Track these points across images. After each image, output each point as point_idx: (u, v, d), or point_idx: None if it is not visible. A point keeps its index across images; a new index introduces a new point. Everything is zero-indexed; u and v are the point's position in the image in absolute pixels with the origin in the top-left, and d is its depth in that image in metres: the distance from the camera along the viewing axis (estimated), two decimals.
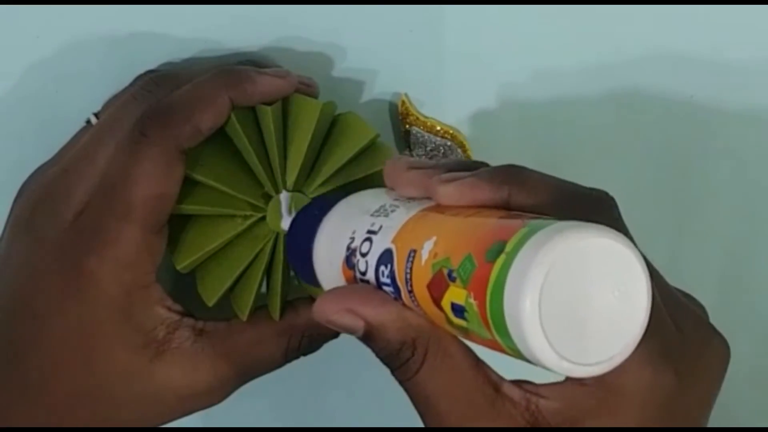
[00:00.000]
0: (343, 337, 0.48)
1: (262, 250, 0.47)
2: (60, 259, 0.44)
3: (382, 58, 0.51)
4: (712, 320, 0.41)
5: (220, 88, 0.44)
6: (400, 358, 0.39)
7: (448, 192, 0.39)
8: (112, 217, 0.44)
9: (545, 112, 0.52)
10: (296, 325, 0.47)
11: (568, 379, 0.39)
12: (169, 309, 0.45)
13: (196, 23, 0.49)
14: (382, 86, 0.51)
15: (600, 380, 0.38)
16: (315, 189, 0.47)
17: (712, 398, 0.41)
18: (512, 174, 0.39)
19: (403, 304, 0.39)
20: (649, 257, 0.36)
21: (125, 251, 0.44)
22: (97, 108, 0.48)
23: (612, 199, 0.40)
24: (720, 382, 0.41)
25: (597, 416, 0.38)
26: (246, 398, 0.54)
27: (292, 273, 0.48)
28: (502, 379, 0.40)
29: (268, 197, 0.46)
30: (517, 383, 0.40)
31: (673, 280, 0.40)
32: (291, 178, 0.46)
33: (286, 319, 0.47)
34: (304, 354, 0.48)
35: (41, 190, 0.46)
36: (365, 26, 0.50)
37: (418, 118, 0.50)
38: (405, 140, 0.51)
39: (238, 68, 0.45)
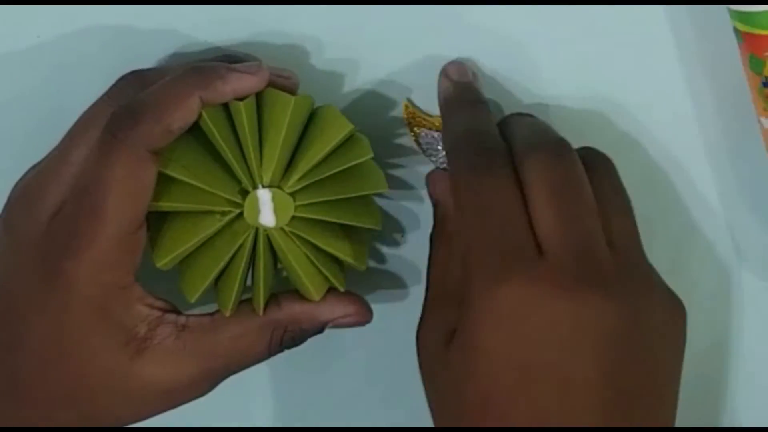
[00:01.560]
0: (345, 337, 0.51)
1: (242, 245, 0.46)
2: (37, 260, 0.44)
3: (382, 58, 0.50)
4: None
5: (190, 87, 0.44)
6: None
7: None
8: (86, 219, 0.44)
9: (545, 112, 0.51)
10: (279, 320, 0.47)
11: None
12: (151, 306, 0.45)
13: (198, 22, 0.50)
14: (381, 86, 0.51)
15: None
16: (292, 184, 0.46)
17: (661, 350, 0.42)
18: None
19: None
20: None
21: (101, 253, 0.44)
22: None
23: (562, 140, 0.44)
24: (678, 336, 0.43)
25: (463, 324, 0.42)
26: (246, 398, 0.54)
27: (278, 266, 0.48)
28: None
29: (245, 193, 0.46)
30: None
31: None
32: (267, 173, 0.46)
33: (268, 314, 0.47)
34: (288, 347, 0.48)
35: (19, 190, 0.46)
36: (365, 26, 0.50)
37: (425, 119, 0.50)
38: (417, 145, 0.50)
39: (208, 65, 0.45)
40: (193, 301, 0.47)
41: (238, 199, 0.46)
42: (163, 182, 0.45)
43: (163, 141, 0.44)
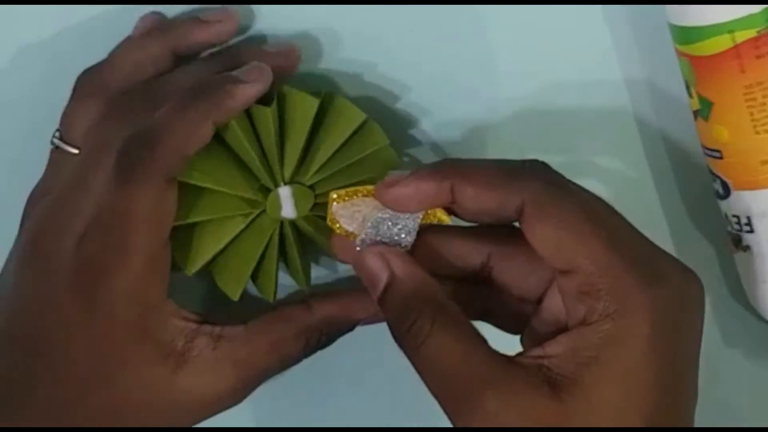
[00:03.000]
0: (346, 336, 0.49)
1: (271, 238, 0.47)
2: (69, 290, 0.44)
3: (381, 58, 0.51)
4: None
5: (202, 113, 0.44)
6: (409, 318, 0.40)
7: (394, 194, 0.42)
8: (113, 250, 0.44)
9: (545, 111, 0.52)
10: (313, 325, 0.47)
11: (567, 328, 0.40)
12: (186, 319, 0.45)
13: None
14: (382, 87, 0.52)
15: (603, 312, 0.39)
16: (310, 177, 0.47)
17: (700, 332, 0.42)
18: (450, 166, 0.42)
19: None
20: None
21: (133, 280, 0.44)
22: None
23: (546, 166, 0.42)
24: (702, 315, 0.42)
25: (608, 347, 0.39)
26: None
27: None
28: (509, 356, 0.40)
29: (265, 189, 0.47)
30: (522, 354, 0.41)
31: None
32: (288, 171, 0.46)
33: (301, 320, 0.47)
34: (321, 348, 0.48)
35: (41, 221, 0.46)
36: (365, 26, 0.51)
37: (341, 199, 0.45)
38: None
39: (215, 86, 0.45)
40: (236, 298, 0.47)
41: (259, 198, 0.46)
42: (183, 192, 0.45)
43: (180, 167, 0.44)
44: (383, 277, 0.42)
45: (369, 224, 0.43)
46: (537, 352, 0.40)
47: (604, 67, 0.51)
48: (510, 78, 0.51)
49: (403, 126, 0.52)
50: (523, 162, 0.42)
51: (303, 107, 0.46)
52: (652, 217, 0.53)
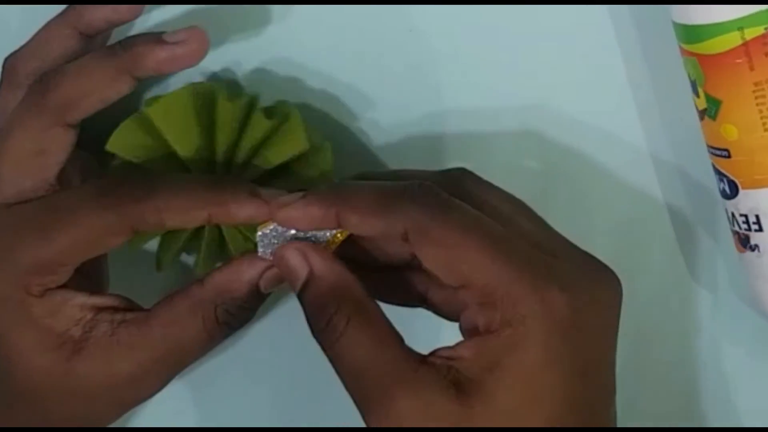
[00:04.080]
0: None
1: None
2: None
3: (381, 58, 0.51)
4: None
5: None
6: (325, 314, 0.42)
7: (285, 218, 0.43)
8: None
9: (548, 112, 0.52)
10: (204, 297, 0.45)
11: (479, 330, 0.41)
12: (83, 308, 0.45)
13: (196, 19, 0.50)
14: (381, 86, 0.52)
15: (502, 320, 0.40)
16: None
17: (610, 329, 0.43)
18: (336, 192, 0.43)
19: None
20: None
21: (24, 256, 0.44)
22: None
23: (431, 184, 0.42)
24: (615, 312, 0.43)
25: (508, 353, 0.40)
26: (246, 396, 0.53)
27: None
28: (422, 354, 0.41)
29: None
30: (435, 352, 0.42)
31: None
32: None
33: (193, 294, 0.45)
34: (232, 326, 0.46)
35: None
36: (365, 26, 0.50)
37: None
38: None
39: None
40: (159, 271, 0.48)
41: None
42: None
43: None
44: (302, 274, 0.43)
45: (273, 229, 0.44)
46: (448, 352, 0.41)
47: (608, 68, 0.51)
48: (513, 78, 0.51)
49: (400, 127, 0.52)
50: (405, 186, 0.42)
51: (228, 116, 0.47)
52: (655, 218, 0.53)
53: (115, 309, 0.46)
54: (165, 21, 0.51)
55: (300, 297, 0.43)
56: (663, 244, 0.53)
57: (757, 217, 0.48)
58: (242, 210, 0.44)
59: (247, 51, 0.51)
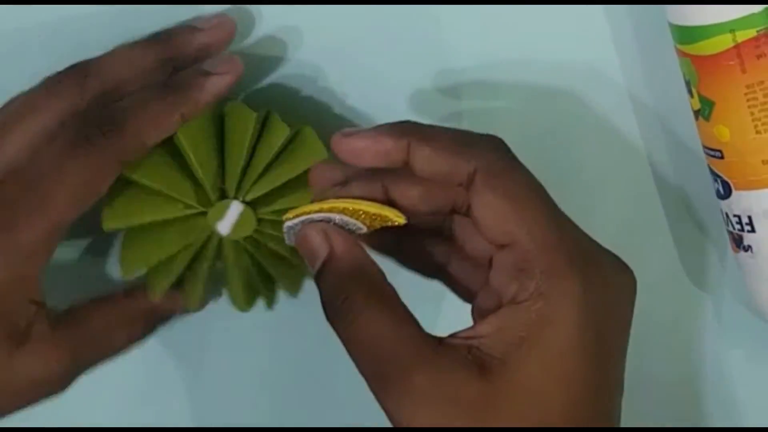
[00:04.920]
0: None
1: (204, 248, 0.47)
2: None
3: (381, 58, 0.51)
4: None
5: (171, 105, 0.45)
6: (342, 294, 0.41)
7: (350, 144, 0.42)
8: (29, 205, 0.43)
9: (545, 112, 0.52)
10: (134, 312, 0.48)
11: (502, 306, 0.40)
12: (33, 301, 0.45)
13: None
14: (381, 86, 0.51)
15: (536, 291, 0.39)
16: (248, 192, 0.46)
17: (629, 324, 0.42)
18: (410, 126, 0.43)
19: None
20: None
21: (28, 242, 0.43)
22: None
23: (502, 140, 0.43)
24: (632, 308, 0.43)
25: (538, 328, 0.39)
26: (247, 396, 0.54)
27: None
28: (440, 337, 0.41)
29: (209, 201, 0.47)
30: (454, 335, 0.41)
31: None
32: (233, 184, 0.46)
33: (129, 306, 0.48)
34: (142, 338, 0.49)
35: None
36: (364, 26, 0.50)
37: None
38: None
39: (185, 80, 0.45)
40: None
41: (201, 204, 0.46)
42: (132, 195, 0.46)
43: (134, 155, 0.44)
44: (322, 254, 0.42)
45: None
46: (468, 333, 0.41)
47: (604, 67, 0.51)
48: (509, 78, 0.51)
49: None
50: (480, 134, 0.43)
51: (241, 122, 0.46)
52: (652, 217, 0.53)
53: (53, 308, 0.46)
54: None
55: (318, 278, 0.43)
56: (660, 244, 0.53)
57: (749, 218, 0.48)
58: (205, 91, 0.45)
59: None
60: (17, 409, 0.46)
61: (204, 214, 0.47)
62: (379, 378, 0.40)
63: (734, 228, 0.49)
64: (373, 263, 0.42)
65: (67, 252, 0.51)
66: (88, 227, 0.46)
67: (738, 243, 0.49)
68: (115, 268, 0.51)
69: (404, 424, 0.39)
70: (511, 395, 0.39)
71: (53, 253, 0.45)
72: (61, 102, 0.45)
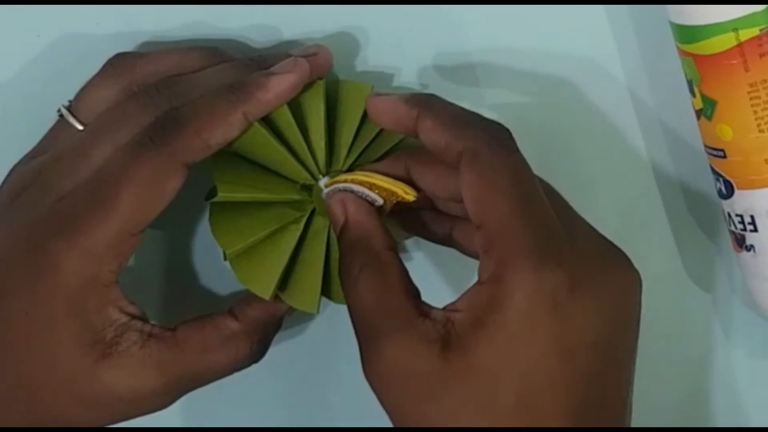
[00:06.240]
0: (347, 336, 0.48)
1: (329, 239, 0.48)
2: (30, 238, 0.43)
3: (381, 58, 0.51)
4: None
5: (233, 103, 0.44)
6: (345, 260, 0.44)
7: (375, 104, 0.45)
8: (94, 208, 0.43)
9: (547, 111, 0.52)
10: (238, 332, 0.46)
11: (476, 282, 0.41)
12: (121, 310, 0.44)
13: (198, 20, 0.50)
14: (382, 82, 0.51)
15: (493, 274, 0.40)
16: (343, 162, 0.47)
17: (624, 324, 0.42)
18: (424, 98, 0.44)
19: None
20: None
21: (95, 245, 0.43)
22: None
23: (504, 128, 0.43)
24: (632, 309, 0.42)
25: (490, 312, 0.40)
26: (246, 395, 0.54)
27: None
28: (432, 307, 0.42)
29: (306, 188, 0.47)
30: (446, 305, 0.42)
31: None
32: (340, 160, 0.47)
33: (227, 327, 0.46)
34: (263, 353, 0.47)
35: (30, 175, 0.45)
36: (364, 26, 0.51)
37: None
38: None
39: (249, 80, 0.45)
40: (316, 311, 0.47)
41: (304, 197, 0.47)
42: (231, 218, 0.46)
43: (198, 155, 0.44)
44: (341, 220, 0.45)
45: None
46: (452, 305, 0.41)
47: (606, 67, 0.51)
48: (511, 78, 0.51)
49: None
50: (485, 118, 0.44)
51: (356, 95, 0.47)
52: (653, 218, 0.53)
53: (143, 320, 0.45)
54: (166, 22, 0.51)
55: (338, 240, 0.45)
56: (662, 243, 0.53)
57: (752, 217, 0.48)
58: (269, 91, 0.45)
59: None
60: (105, 421, 0.45)
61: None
62: (361, 340, 0.42)
63: (736, 228, 0.49)
64: (382, 233, 0.44)
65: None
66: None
67: (740, 243, 0.49)
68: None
69: (373, 390, 0.41)
70: (463, 377, 0.40)
71: (127, 259, 0.44)
72: (107, 96, 0.46)
